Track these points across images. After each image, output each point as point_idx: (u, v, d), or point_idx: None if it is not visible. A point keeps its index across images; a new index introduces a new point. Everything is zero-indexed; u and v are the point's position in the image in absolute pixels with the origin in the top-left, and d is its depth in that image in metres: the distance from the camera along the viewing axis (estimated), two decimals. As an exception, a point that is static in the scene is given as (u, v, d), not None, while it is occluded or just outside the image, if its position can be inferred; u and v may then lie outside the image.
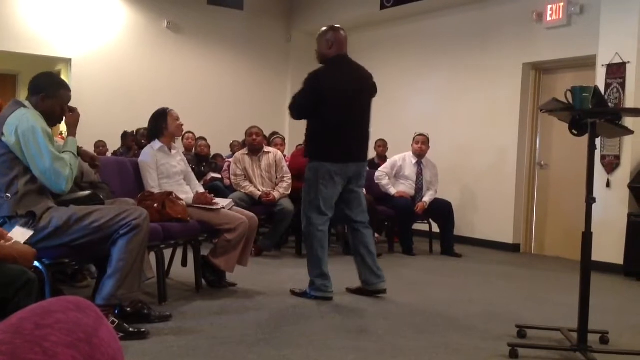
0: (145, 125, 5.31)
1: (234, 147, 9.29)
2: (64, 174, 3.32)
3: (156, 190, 4.68)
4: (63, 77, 10.43)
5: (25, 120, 3.28)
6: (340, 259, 6.54)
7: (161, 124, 4.97)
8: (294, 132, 10.34)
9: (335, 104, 4.61)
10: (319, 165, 4.66)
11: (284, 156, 7.39)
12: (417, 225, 7.73)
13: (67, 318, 0.80)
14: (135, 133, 8.97)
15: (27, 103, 3.43)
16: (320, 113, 4.62)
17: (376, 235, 7.78)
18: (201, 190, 5.19)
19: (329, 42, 4.72)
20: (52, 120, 3.53)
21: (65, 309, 0.81)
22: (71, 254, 3.52)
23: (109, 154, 8.92)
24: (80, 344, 0.77)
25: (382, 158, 8.70)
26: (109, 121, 9.59)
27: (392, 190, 7.54)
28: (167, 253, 4.87)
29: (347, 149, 4.70)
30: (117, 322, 3.38)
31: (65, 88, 3.60)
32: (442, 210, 7.53)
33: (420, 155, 7.66)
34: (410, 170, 7.64)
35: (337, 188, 4.71)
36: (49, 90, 3.48)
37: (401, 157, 7.75)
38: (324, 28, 4.81)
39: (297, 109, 4.76)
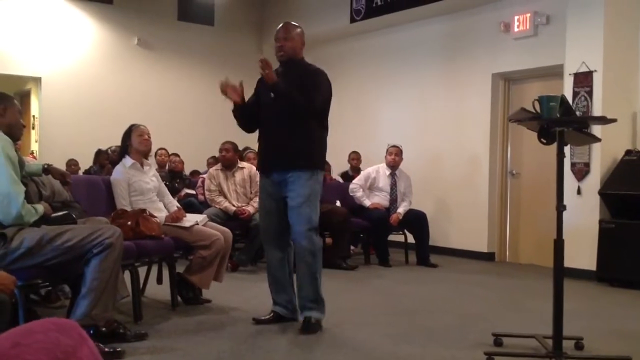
0: (117, 143, 5.29)
1: (210, 164, 9.26)
2: (18, 200, 3.28)
3: (128, 208, 4.65)
4: (33, 96, 10.36)
5: None
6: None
7: (127, 141, 4.96)
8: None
9: (329, 109, 4.37)
10: (320, 176, 4.28)
11: (258, 170, 7.37)
12: (393, 236, 7.76)
13: (47, 338, 0.80)
14: (108, 151, 8.90)
15: None
16: (324, 117, 4.32)
17: (352, 247, 7.80)
18: (175, 205, 5.17)
19: (303, 41, 4.54)
20: (17, 129, 3.59)
21: (46, 329, 0.81)
22: (44, 275, 3.49)
23: (81, 172, 8.84)
24: None
25: (356, 170, 8.73)
26: (80, 139, 9.52)
27: (367, 202, 7.56)
28: (142, 271, 4.83)
29: None
30: (92, 342, 3.34)
31: (12, 97, 3.67)
32: (416, 221, 7.57)
33: (393, 166, 7.70)
34: (384, 182, 7.67)
35: None
36: (5, 102, 3.49)
37: (375, 169, 7.79)
38: (294, 23, 4.58)
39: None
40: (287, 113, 4.18)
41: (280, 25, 4.51)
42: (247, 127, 4.52)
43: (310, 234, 4.14)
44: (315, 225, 4.17)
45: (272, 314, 4.34)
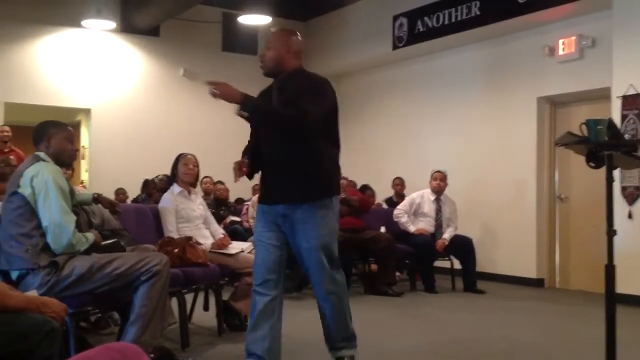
0: (164, 171, 5.39)
1: (255, 191, 9.33)
2: (69, 229, 3.35)
3: (175, 236, 4.71)
4: (83, 127, 10.63)
5: (41, 173, 3.36)
6: (361, 298, 6.50)
7: (175, 169, 5.06)
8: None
9: (337, 122, 3.61)
10: (334, 203, 3.56)
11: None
12: (439, 262, 7.67)
13: None
14: (154, 180, 9.05)
15: (43, 155, 3.50)
16: (332, 132, 3.56)
17: (397, 273, 7.75)
18: (221, 232, 5.21)
19: (293, 49, 3.58)
20: (66, 156, 3.63)
21: (110, 358, 0.81)
22: (94, 302, 3.55)
23: (129, 201, 8.99)
24: None
25: (400, 196, 8.69)
26: (128, 169, 9.71)
27: (412, 228, 7.51)
28: (189, 298, 4.87)
29: None
30: (140, 369, 3.37)
31: (63, 124, 3.70)
32: (463, 247, 7.49)
33: (438, 191, 7.65)
34: (429, 207, 7.62)
35: None
36: (51, 130, 3.56)
37: (419, 195, 7.74)
38: (286, 28, 3.81)
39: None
40: (284, 131, 3.47)
41: None
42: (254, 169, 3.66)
43: (331, 275, 3.53)
44: (335, 263, 3.55)
45: None
